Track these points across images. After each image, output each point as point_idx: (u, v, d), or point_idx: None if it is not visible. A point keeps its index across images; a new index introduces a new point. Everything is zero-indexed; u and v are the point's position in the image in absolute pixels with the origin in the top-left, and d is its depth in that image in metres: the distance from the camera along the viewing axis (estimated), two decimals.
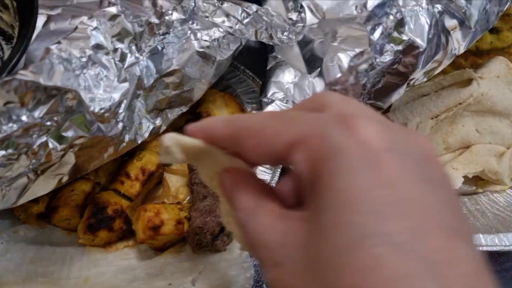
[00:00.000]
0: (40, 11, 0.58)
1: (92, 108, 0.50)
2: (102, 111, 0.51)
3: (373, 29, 0.61)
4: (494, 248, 0.61)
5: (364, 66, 0.60)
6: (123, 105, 0.54)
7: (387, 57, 0.59)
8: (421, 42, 0.58)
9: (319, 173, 0.29)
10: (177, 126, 0.67)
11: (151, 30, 0.55)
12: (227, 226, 0.37)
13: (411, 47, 0.58)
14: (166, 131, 0.63)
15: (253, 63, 0.73)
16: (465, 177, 0.67)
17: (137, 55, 0.55)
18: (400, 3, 0.61)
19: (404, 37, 0.58)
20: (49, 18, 0.62)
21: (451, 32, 0.60)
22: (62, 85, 0.45)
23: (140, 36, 0.55)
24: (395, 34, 0.58)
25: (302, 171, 0.30)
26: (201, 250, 0.56)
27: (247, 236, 0.32)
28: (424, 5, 0.61)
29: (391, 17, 0.59)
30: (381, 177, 0.28)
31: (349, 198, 0.28)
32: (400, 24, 0.59)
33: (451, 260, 0.26)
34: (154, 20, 0.55)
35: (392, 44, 0.59)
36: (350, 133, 0.29)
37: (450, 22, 0.60)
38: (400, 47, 0.58)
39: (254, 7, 0.61)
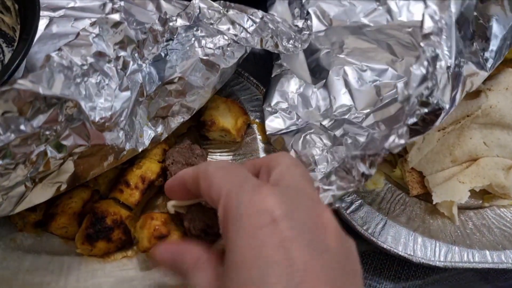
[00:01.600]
0: (42, 12, 0.57)
1: (92, 118, 0.48)
2: (103, 120, 0.49)
3: (408, 101, 0.58)
4: (500, 266, 0.60)
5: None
6: (124, 114, 0.52)
7: (413, 119, 0.56)
8: (446, 104, 0.56)
9: (226, 230, 0.37)
10: (178, 133, 0.66)
11: (154, 38, 0.54)
12: None
13: (437, 109, 0.56)
14: (167, 138, 0.62)
15: (257, 70, 0.72)
16: (472, 190, 0.66)
17: (139, 62, 0.54)
18: (431, 70, 0.58)
19: (433, 100, 0.56)
20: (51, 20, 0.62)
21: (468, 78, 0.58)
22: (62, 95, 0.44)
23: (143, 44, 0.54)
24: (424, 99, 0.56)
25: (219, 222, 0.39)
26: None
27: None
28: (452, 62, 0.58)
29: (426, 91, 0.56)
30: (274, 239, 0.34)
31: (244, 255, 0.35)
32: (432, 91, 0.56)
33: None
34: (158, 27, 0.54)
35: (420, 107, 0.56)
36: (256, 201, 0.36)
37: (469, 70, 0.58)
38: (426, 110, 0.56)
39: (260, 13, 0.60)
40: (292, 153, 0.61)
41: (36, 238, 0.59)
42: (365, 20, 0.70)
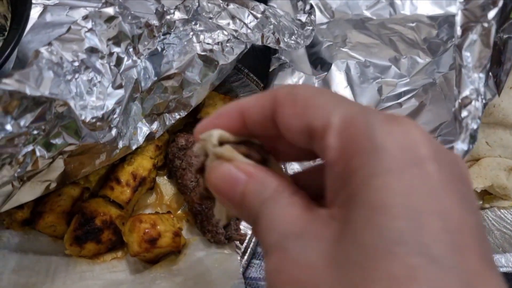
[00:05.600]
0: (35, 0, 0.55)
1: (83, 117, 0.46)
2: (94, 120, 0.47)
3: None
4: (501, 270, 0.59)
5: None
6: (117, 112, 0.50)
7: None
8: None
9: (354, 167, 0.27)
10: (174, 130, 0.64)
11: (150, 33, 0.51)
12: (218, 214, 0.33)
13: None
14: (162, 136, 0.59)
15: (257, 65, 0.69)
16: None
17: (134, 58, 0.51)
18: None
19: None
20: (45, 8, 0.60)
21: None
22: (51, 94, 0.41)
23: (138, 39, 0.51)
24: None
25: (332, 159, 0.27)
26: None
27: (260, 221, 0.29)
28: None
29: None
30: (423, 185, 0.26)
31: (386, 200, 0.26)
32: None
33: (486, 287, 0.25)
34: (155, 22, 0.51)
35: None
36: (398, 133, 0.27)
37: None
38: None
39: (262, 7, 0.57)
40: None
41: (23, 236, 0.57)
42: (367, 13, 0.69)
